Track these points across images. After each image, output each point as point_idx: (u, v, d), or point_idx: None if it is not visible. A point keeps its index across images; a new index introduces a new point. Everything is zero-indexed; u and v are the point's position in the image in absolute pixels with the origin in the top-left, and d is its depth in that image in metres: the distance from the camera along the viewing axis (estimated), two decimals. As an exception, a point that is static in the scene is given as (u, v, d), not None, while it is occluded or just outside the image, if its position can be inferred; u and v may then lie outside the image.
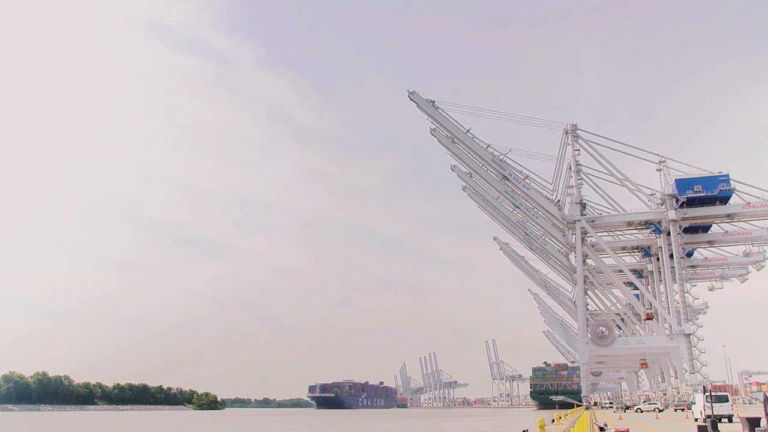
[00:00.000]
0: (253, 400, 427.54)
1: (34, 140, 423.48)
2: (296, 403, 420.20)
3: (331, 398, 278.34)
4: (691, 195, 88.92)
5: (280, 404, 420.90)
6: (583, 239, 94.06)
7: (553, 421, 46.28)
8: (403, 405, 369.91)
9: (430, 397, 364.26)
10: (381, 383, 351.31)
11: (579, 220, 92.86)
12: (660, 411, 74.07)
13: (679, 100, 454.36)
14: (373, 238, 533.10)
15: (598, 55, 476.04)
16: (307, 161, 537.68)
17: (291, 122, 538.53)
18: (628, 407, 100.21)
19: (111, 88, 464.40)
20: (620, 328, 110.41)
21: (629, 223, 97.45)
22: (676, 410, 78.08)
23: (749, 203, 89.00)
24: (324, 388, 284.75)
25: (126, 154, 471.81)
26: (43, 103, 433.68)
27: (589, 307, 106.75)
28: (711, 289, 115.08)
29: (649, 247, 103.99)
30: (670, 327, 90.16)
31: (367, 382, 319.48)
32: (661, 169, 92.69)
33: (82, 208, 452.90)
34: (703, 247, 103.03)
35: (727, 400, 43.04)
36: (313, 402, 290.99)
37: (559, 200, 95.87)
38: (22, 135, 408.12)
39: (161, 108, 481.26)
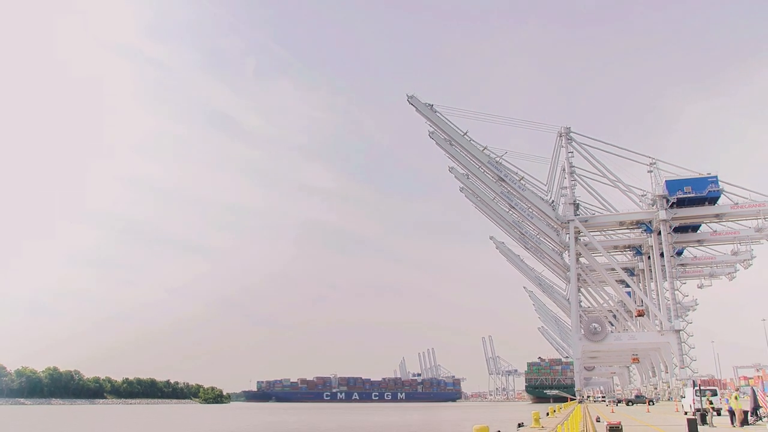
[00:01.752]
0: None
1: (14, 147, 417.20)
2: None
3: (254, 392, 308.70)
4: (681, 196, 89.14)
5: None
6: (576, 238, 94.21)
7: (547, 414, 46.36)
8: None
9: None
10: (417, 374, 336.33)
11: (573, 220, 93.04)
12: (651, 404, 74.05)
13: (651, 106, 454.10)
14: (358, 238, 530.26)
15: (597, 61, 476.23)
16: (264, 163, 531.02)
17: (240, 127, 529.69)
18: (619, 401, 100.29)
19: (75, 91, 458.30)
20: (612, 325, 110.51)
21: (621, 223, 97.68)
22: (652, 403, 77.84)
23: (737, 204, 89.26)
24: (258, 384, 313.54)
25: (89, 158, 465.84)
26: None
27: (582, 304, 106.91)
28: (700, 287, 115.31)
29: (640, 246, 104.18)
30: (661, 323, 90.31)
31: (362, 377, 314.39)
32: (651, 171, 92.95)
33: (75, 213, 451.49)
34: (693, 246, 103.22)
35: (716, 394, 43.15)
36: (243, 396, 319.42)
37: (553, 201, 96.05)
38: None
39: (112, 112, 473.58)
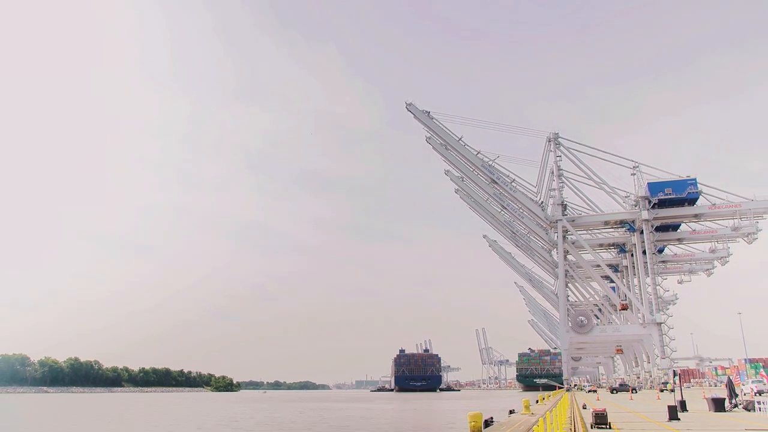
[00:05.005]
0: (265, 382, 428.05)
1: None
2: (304, 386, 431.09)
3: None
4: (662, 197, 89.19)
5: (290, 386, 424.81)
6: (564, 237, 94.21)
7: (537, 401, 46.35)
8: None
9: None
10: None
11: (560, 220, 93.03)
12: (635, 392, 73.90)
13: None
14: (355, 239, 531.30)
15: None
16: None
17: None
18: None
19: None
20: (598, 318, 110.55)
21: (606, 223, 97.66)
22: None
23: (715, 204, 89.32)
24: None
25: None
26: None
27: (569, 298, 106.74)
28: (680, 282, 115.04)
29: (624, 244, 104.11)
30: (643, 316, 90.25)
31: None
32: (635, 174, 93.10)
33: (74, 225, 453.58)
34: (673, 244, 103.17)
35: None
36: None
37: (542, 201, 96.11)
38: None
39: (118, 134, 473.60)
